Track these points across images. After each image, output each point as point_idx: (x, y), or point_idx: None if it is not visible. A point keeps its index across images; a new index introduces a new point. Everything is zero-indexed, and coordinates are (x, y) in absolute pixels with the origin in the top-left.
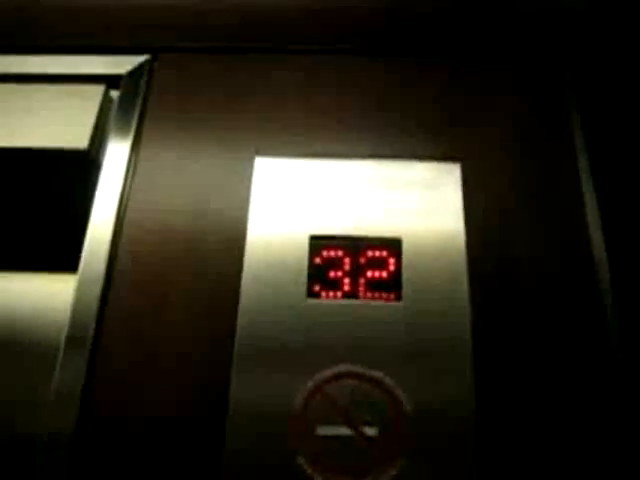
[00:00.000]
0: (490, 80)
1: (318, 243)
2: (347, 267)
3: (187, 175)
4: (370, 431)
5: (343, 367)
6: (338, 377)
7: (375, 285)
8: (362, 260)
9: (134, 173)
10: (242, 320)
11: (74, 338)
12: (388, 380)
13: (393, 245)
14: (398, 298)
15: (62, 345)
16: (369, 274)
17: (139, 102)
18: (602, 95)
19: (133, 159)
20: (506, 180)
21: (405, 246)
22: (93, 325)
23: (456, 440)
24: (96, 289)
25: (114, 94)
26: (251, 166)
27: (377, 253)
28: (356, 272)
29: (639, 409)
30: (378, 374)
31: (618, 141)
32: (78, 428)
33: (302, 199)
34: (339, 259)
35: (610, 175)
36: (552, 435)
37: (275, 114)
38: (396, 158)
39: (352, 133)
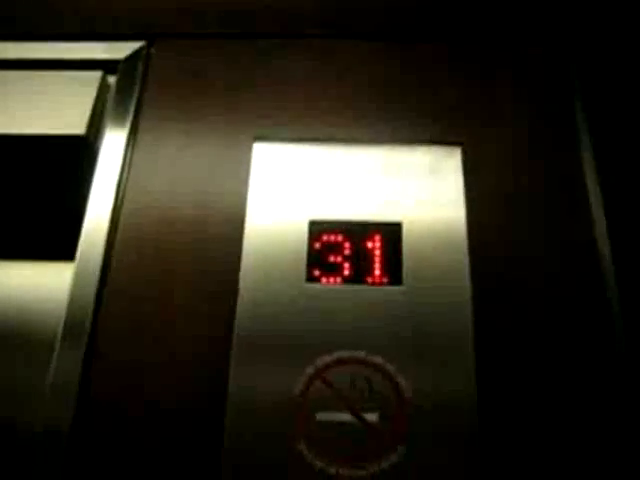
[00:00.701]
0: (491, 65)
1: (318, 228)
2: (347, 252)
3: (185, 161)
4: (371, 417)
5: (343, 353)
6: (338, 363)
7: (375, 270)
8: (362, 245)
9: (132, 159)
10: (241, 306)
11: (71, 329)
12: (389, 366)
13: (393, 229)
14: (398, 283)
15: (59, 336)
16: (369, 259)
17: (136, 88)
18: (606, 80)
19: (131, 145)
20: (507, 163)
21: (405, 230)
22: (90, 315)
23: (456, 427)
24: (93, 278)
25: (111, 80)
26: (250, 152)
27: (377, 237)
28: (356, 257)
29: None
30: (379, 360)
31: (622, 127)
32: (75, 422)
33: (301, 184)
34: (339, 244)
35: (613, 159)
36: (554, 423)
37: (274, 100)
38: (396, 143)
39: (352, 118)
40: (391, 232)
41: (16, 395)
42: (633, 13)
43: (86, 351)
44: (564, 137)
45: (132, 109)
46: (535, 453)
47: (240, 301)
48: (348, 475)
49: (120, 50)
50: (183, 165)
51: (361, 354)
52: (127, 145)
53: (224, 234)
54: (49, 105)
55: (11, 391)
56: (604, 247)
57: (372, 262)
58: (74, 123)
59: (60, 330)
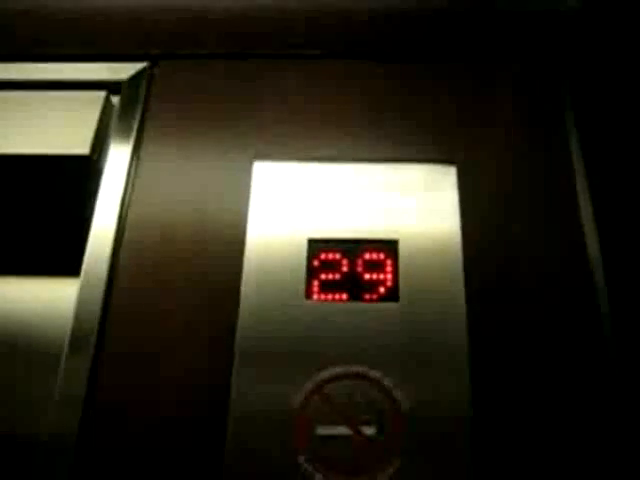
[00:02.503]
0: (487, 83)
1: (316, 246)
2: (345, 269)
3: (187, 179)
4: (369, 431)
5: (342, 368)
6: (337, 378)
7: (372, 287)
8: (360, 262)
9: (135, 178)
10: (242, 322)
11: (76, 343)
12: (386, 380)
13: (390, 247)
14: (395, 299)
15: (64, 350)
16: (367, 276)
17: (139, 108)
18: (597, 95)
19: (134, 164)
20: (502, 182)
21: (402, 248)
22: (95, 330)
23: (454, 439)
24: (98, 293)
25: (115, 100)
26: (250, 170)
27: (374, 255)
28: (353, 274)
29: (633, 406)
30: (376, 374)
31: (613, 141)
32: (81, 431)
33: (300, 203)
34: (337, 261)
35: (605, 176)
36: (549, 434)
37: (274, 119)
38: (393, 161)
39: (350, 137)
40: (387, 249)
41: (21, 409)
42: (624, 27)
43: (92, 363)
44: (558, 152)
45: (135, 128)
46: (531, 466)
47: (241, 317)
48: None
49: (123, 71)
50: (185, 183)
51: (359, 369)
52: (130, 163)
53: (225, 251)
54: (53, 125)
55: (16, 405)
56: (599, 270)
57: (369, 279)
58: (78, 143)
59: (67, 342)
